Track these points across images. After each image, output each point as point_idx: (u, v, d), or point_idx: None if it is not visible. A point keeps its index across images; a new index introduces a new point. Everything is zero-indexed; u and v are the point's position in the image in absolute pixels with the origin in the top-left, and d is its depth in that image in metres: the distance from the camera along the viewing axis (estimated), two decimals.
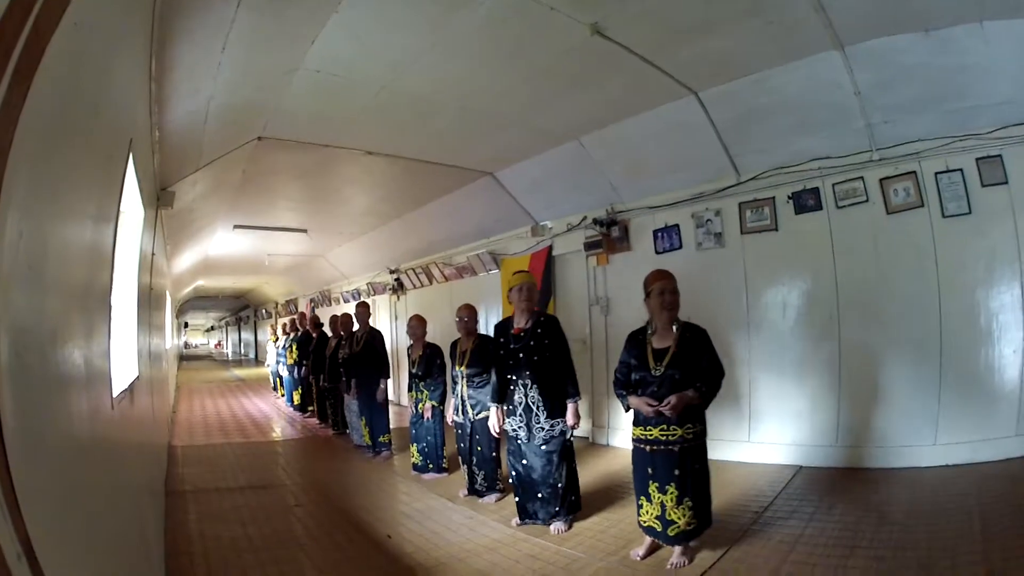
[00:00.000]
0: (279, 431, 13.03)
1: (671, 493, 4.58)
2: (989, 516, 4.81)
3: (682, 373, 4.61)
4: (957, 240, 6.12)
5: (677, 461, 4.58)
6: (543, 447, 5.79)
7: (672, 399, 4.48)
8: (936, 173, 6.17)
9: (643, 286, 5.01)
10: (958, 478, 5.73)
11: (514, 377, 5.97)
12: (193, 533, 5.94)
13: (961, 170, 6.03)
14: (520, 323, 6.08)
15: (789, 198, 7.20)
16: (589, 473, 7.17)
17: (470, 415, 6.97)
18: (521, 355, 5.94)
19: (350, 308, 13.68)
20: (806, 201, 7.06)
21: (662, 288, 4.84)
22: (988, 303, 6.02)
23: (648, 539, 4.85)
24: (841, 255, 6.85)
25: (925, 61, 5.52)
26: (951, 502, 5.24)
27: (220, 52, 4.96)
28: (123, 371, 4.14)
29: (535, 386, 5.84)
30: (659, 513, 4.65)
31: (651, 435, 4.68)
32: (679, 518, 4.56)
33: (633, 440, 4.88)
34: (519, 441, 5.92)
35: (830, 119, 6.50)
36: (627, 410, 4.93)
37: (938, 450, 6.13)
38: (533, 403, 5.83)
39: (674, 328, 4.81)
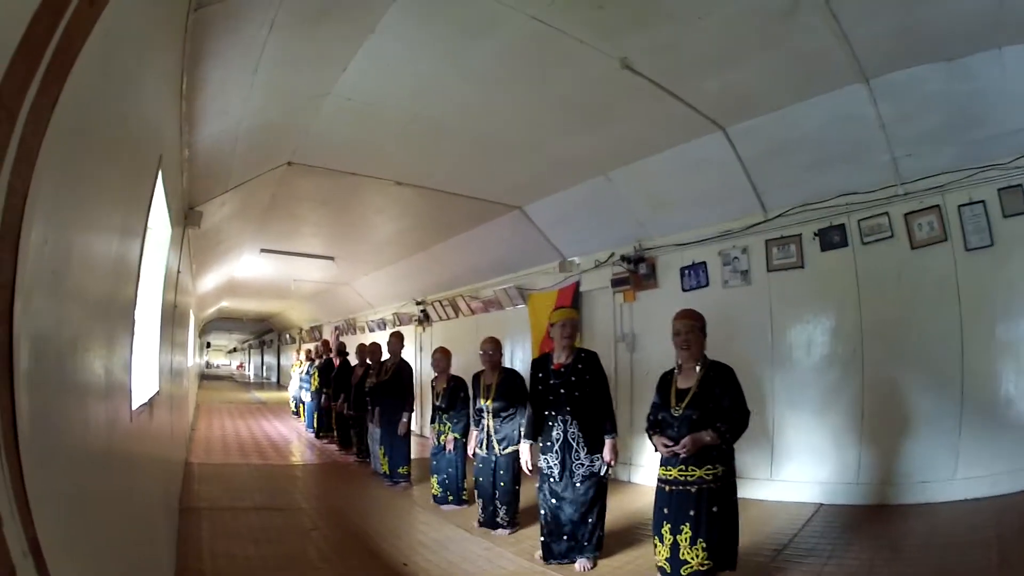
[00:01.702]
0: (298, 455, 13.05)
1: (685, 533, 4.50)
2: (1007, 548, 4.72)
3: (700, 414, 4.55)
4: (979, 273, 6.05)
5: (694, 502, 4.51)
6: (579, 484, 5.73)
7: (686, 440, 4.45)
8: (959, 206, 6.10)
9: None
10: (978, 511, 5.62)
11: (553, 412, 5.89)
12: (205, 550, 5.93)
13: (984, 202, 5.96)
14: (561, 358, 6.01)
15: (815, 235, 7.15)
16: (611, 510, 7.11)
17: (496, 450, 6.93)
18: (563, 391, 5.87)
19: (375, 337, 13.74)
20: (832, 238, 7.01)
21: (676, 329, 4.84)
22: (1008, 335, 5.93)
23: None
24: (866, 292, 6.78)
25: (946, 90, 5.51)
26: (969, 535, 5.16)
27: (252, 74, 5.02)
28: (144, 385, 4.16)
29: (575, 422, 5.78)
30: (669, 555, 4.58)
31: (670, 475, 4.63)
32: (692, 558, 4.48)
33: (657, 480, 4.82)
34: (552, 479, 5.84)
35: (855, 153, 6.48)
36: (656, 451, 4.88)
37: (958, 484, 6.01)
38: (573, 439, 5.76)
39: (697, 368, 4.77)
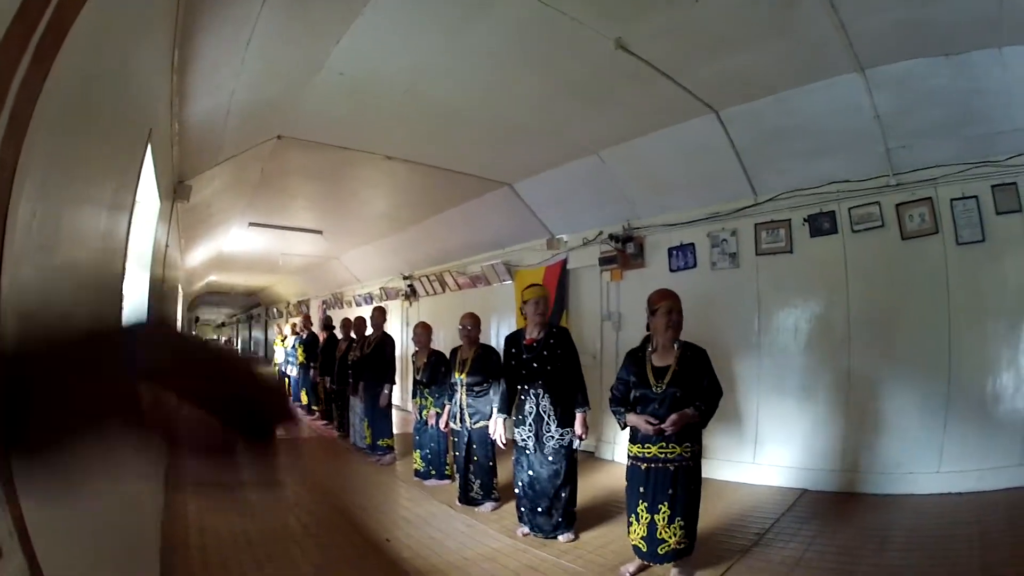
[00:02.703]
0: (283, 429, 12.97)
1: (663, 512, 4.55)
2: (989, 545, 4.77)
3: (683, 391, 4.60)
4: (970, 267, 6.09)
5: (672, 480, 4.57)
6: (551, 457, 5.82)
7: (674, 416, 4.48)
8: (952, 200, 6.14)
9: (648, 304, 5.00)
10: (961, 506, 5.68)
11: (526, 387, 6.01)
12: (192, 525, 5.97)
13: (976, 197, 6.00)
14: (533, 334, 6.13)
15: (805, 221, 7.18)
16: (593, 486, 7.14)
17: (467, 423, 6.98)
18: (535, 365, 5.98)
19: (362, 311, 13.68)
20: (822, 224, 7.03)
21: (669, 308, 4.82)
22: (997, 331, 5.98)
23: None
24: (855, 280, 6.82)
25: (944, 85, 5.52)
26: (953, 530, 5.20)
27: (244, 48, 4.98)
28: None
29: (547, 395, 5.88)
30: (645, 533, 4.63)
31: (649, 452, 4.66)
32: (670, 537, 4.53)
33: (629, 457, 4.86)
34: (528, 451, 5.93)
35: (849, 142, 6.49)
36: (623, 427, 4.93)
37: (942, 477, 6.08)
38: (544, 412, 5.86)
39: (675, 347, 4.80)
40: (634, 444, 4.82)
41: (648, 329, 5.02)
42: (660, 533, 4.56)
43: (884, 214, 6.57)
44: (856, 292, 6.81)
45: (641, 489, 4.69)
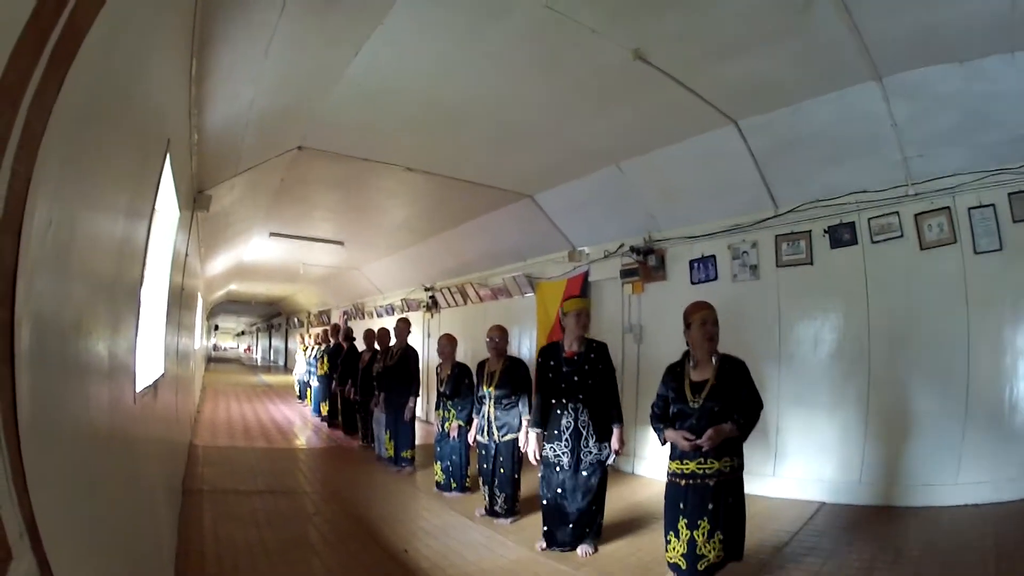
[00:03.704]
0: (303, 439, 13.09)
1: (703, 527, 4.47)
2: (1005, 557, 4.70)
3: (721, 406, 4.53)
4: (988, 276, 6.01)
5: (712, 495, 4.48)
6: (586, 473, 5.77)
7: (711, 432, 4.41)
8: (969, 208, 6.07)
9: (683, 317, 4.92)
10: (978, 517, 5.60)
11: (564, 401, 5.90)
12: (207, 533, 5.97)
13: (993, 205, 5.93)
14: (573, 347, 6.04)
15: (825, 232, 7.12)
16: (614, 500, 7.10)
17: (495, 436, 6.95)
18: (576, 379, 5.90)
19: (383, 322, 13.75)
20: (842, 235, 6.98)
21: (704, 319, 4.77)
22: (1015, 340, 5.90)
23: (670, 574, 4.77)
24: (874, 291, 6.75)
25: (959, 91, 5.47)
26: (969, 542, 5.14)
27: (263, 58, 5.01)
28: (149, 367, 4.18)
29: (586, 410, 5.82)
30: (685, 551, 4.52)
31: (687, 469, 4.58)
32: (709, 551, 4.44)
33: (668, 474, 4.77)
34: (560, 468, 5.85)
35: (867, 151, 6.44)
36: (663, 444, 4.85)
37: (960, 489, 5.99)
38: (583, 427, 5.79)
39: (713, 360, 4.74)
40: (673, 460, 4.74)
41: (687, 344, 4.95)
42: (700, 549, 4.46)
43: (903, 224, 6.50)
44: (876, 303, 6.74)
45: (681, 506, 4.60)
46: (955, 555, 4.93)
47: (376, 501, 7.69)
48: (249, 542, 5.79)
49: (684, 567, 4.53)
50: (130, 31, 2.15)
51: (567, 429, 5.82)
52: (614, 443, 5.76)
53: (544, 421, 6.01)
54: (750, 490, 7.13)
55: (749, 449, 7.04)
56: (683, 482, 4.61)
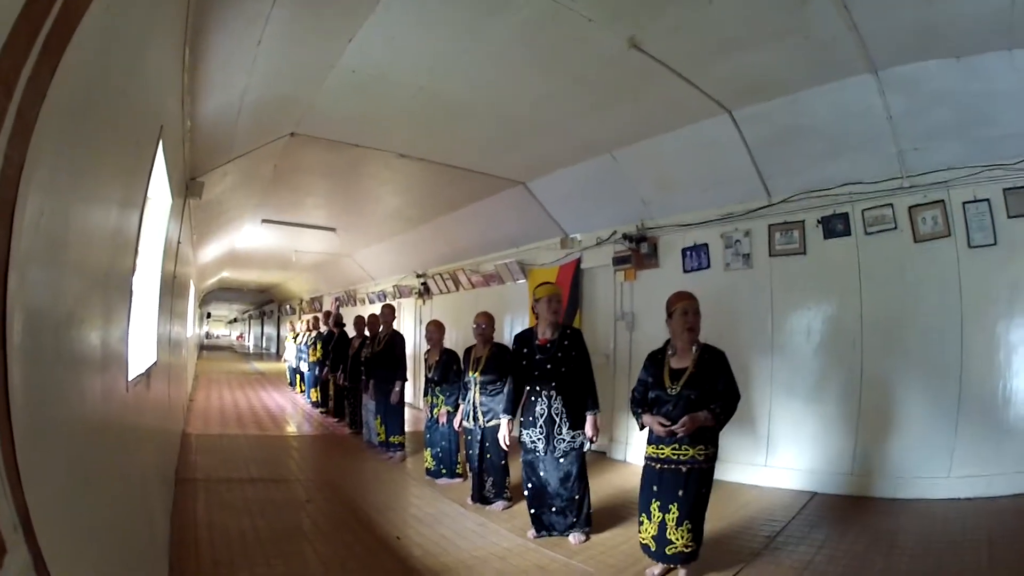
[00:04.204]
0: (295, 426, 13.10)
1: (673, 513, 4.54)
2: (997, 551, 4.75)
3: (698, 394, 4.57)
4: (981, 271, 6.04)
5: (683, 482, 4.55)
6: (562, 459, 5.77)
7: (686, 419, 4.45)
8: (964, 203, 6.08)
9: (665, 307, 4.97)
10: (971, 511, 5.64)
11: (538, 388, 5.91)
12: (201, 522, 5.96)
13: (988, 200, 5.95)
14: (546, 334, 6.03)
15: (819, 222, 7.12)
16: (605, 487, 7.12)
17: (480, 422, 6.97)
18: (548, 366, 5.89)
19: (375, 309, 13.70)
20: (835, 226, 6.98)
21: (685, 308, 4.81)
22: (1009, 336, 5.92)
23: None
24: (867, 282, 6.76)
25: (955, 87, 5.49)
26: (962, 535, 5.18)
27: (256, 46, 5.00)
28: (141, 356, 4.16)
29: (559, 397, 5.81)
30: (655, 532, 4.63)
31: (662, 454, 4.65)
32: (677, 539, 4.52)
33: (645, 458, 4.84)
34: (536, 453, 5.87)
35: (862, 143, 6.45)
36: (641, 428, 4.90)
37: (952, 482, 6.03)
38: (556, 414, 5.79)
39: (693, 349, 4.78)
40: (650, 445, 4.81)
41: (669, 332, 4.98)
42: (669, 534, 4.54)
43: (897, 216, 6.52)
44: (869, 295, 6.76)
45: (654, 488, 4.68)
46: (948, 547, 4.97)
47: (368, 488, 7.72)
48: (242, 530, 5.79)
49: (654, 549, 4.65)
50: (124, 19, 2.13)
51: (541, 416, 5.85)
52: (588, 430, 5.77)
53: (515, 407, 6.06)
54: (741, 479, 7.24)
55: (740, 438, 7.14)
56: (658, 466, 4.70)
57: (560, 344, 5.93)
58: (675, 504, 4.54)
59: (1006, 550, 4.75)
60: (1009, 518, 5.34)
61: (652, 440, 4.78)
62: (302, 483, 7.92)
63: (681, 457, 4.57)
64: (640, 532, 4.78)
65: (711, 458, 4.64)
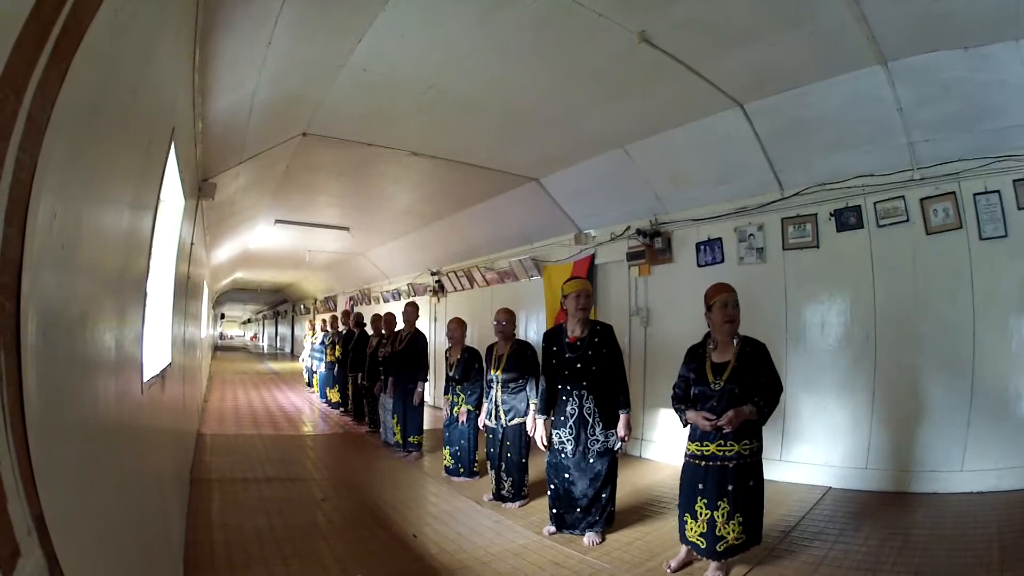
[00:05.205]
0: (311, 425, 13.11)
1: (723, 509, 4.51)
2: (1008, 545, 4.71)
3: (741, 388, 4.54)
4: (993, 263, 5.99)
5: (731, 477, 4.52)
6: (593, 460, 5.71)
7: (730, 413, 4.42)
8: (975, 194, 6.04)
9: (704, 299, 4.93)
10: (982, 505, 5.62)
11: (568, 387, 5.80)
12: (216, 521, 5.99)
13: (999, 191, 5.91)
14: (576, 332, 5.89)
15: (831, 215, 7.09)
16: (621, 485, 7.12)
17: (503, 420, 6.96)
18: (579, 365, 5.77)
19: (390, 307, 13.73)
20: (848, 219, 6.95)
21: (725, 300, 4.77)
22: (1021, 328, 5.87)
23: (683, 552, 4.84)
24: (880, 275, 6.73)
25: (965, 78, 5.45)
26: (973, 529, 5.15)
27: (266, 46, 5.01)
28: (155, 357, 4.18)
29: (591, 396, 5.70)
30: (704, 530, 4.59)
31: (707, 450, 4.61)
32: (728, 533, 4.50)
33: (686, 455, 4.81)
34: (563, 455, 5.80)
35: (873, 135, 6.42)
36: (684, 425, 4.87)
37: (965, 476, 6.00)
38: (588, 414, 5.69)
39: (734, 342, 4.75)
40: (692, 442, 4.77)
41: (708, 326, 4.94)
42: (719, 530, 4.52)
43: (909, 208, 6.48)
44: (882, 287, 6.72)
45: (700, 486, 4.64)
46: (960, 541, 4.94)
47: (384, 487, 7.72)
48: (258, 529, 5.81)
49: (704, 546, 4.60)
50: (133, 20, 2.13)
51: (572, 416, 5.76)
52: (620, 430, 5.69)
53: (550, 407, 5.93)
54: None
55: None
56: (702, 463, 4.65)
57: (591, 342, 5.82)
58: (724, 500, 4.52)
59: (1017, 544, 4.72)
60: (1020, 512, 5.31)
61: (695, 437, 4.75)
62: (317, 482, 7.93)
63: (727, 453, 4.54)
64: (686, 531, 4.74)
65: (756, 452, 4.62)
